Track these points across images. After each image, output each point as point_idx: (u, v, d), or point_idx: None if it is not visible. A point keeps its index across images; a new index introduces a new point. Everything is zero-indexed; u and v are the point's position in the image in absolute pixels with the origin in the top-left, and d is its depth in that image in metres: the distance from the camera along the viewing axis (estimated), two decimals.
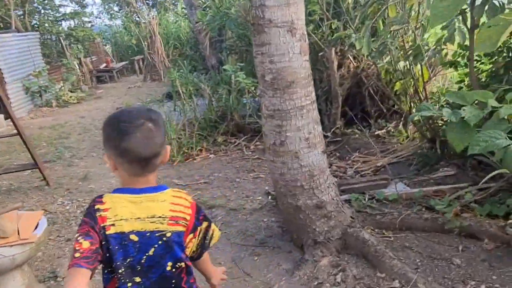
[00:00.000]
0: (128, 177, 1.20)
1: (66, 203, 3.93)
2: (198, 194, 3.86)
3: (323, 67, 4.89)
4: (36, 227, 2.41)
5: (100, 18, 20.02)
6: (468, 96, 2.50)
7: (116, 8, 19.39)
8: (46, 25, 13.09)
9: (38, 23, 13.32)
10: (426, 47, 3.71)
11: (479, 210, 2.74)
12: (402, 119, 4.72)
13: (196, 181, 4.19)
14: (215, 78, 6.70)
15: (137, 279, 1.20)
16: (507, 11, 2.39)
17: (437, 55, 3.57)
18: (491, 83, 3.21)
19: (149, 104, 5.99)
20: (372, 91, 4.96)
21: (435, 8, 2.21)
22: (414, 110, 4.43)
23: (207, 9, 9.22)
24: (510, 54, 3.27)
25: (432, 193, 3.14)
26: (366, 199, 3.22)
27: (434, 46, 3.55)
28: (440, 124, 3.71)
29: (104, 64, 13.37)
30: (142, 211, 1.19)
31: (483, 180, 2.50)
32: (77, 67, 11.19)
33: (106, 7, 19.39)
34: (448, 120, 2.55)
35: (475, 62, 3.41)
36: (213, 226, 1.37)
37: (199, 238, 1.32)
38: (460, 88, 3.81)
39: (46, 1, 13.64)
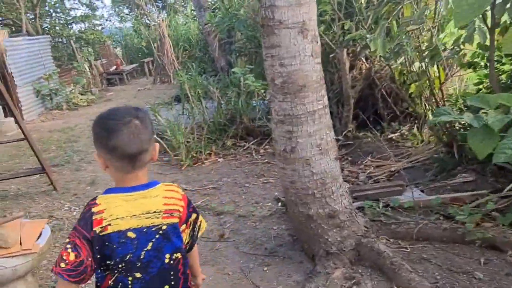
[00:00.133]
0: (118, 174, 1.24)
1: (73, 208, 3.88)
2: (206, 200, 3.77)
3: (334, 68, 4.77)
4: (39, 237, 2.35)
5: (110, 20, 20.26)
6: (491, 99, 2.36)
7: (126, 11, 19.57)
8: (57, 28, 13.23)
9: (49, 26, 13.45)
10: (442, 47, 3.57)
11: (502, 220, 2.60)
12: (417, 121, 4.56)
13: (205, 187, 4.11)
14: (224, 80, 6.63)
15: (138, 275, 1.23)
16: None
17: (455, 55, 3.42)
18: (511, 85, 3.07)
19: (158, 107, 5.92)
20: (385, 93, 4.82)
21: (458, 7, 2.08)
22: (429, 113, 4.28)
23: (216, 10, 9.18)
24: None
25: (450, 200, 3.00)
26: (380, 206, 3.08)
27: (452, 47, 3.40)
28: (457, 128, 3.56)
29: (114, 67, 13.44)
30: (136, 208, 1.22)
31: (508, 188, 2.35)
32: (88, 70, 11.25)
33: (116, 9, 19.59)
34: (468, 125, 2.41)
35: (494, 63, 3.26)
36: (200, 217, 1.43)
37: (190, 229, 1.38)
38: (479, 90, 3.66)
39: (57, 4, 13.77)
